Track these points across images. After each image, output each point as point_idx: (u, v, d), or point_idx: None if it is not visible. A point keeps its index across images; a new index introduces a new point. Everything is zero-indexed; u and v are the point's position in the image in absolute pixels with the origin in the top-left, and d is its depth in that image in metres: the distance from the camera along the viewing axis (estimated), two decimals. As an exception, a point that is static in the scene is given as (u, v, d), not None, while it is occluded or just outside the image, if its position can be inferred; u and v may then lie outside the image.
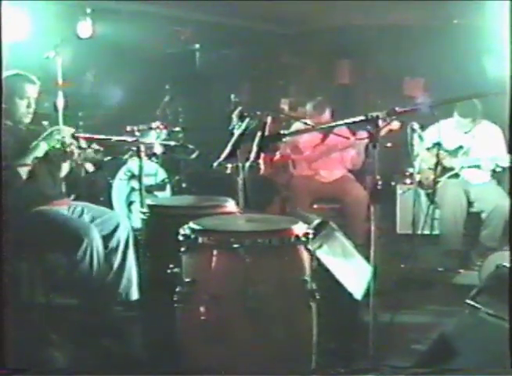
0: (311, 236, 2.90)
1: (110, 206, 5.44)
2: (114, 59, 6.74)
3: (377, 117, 2.82)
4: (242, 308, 2.68)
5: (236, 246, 2.69)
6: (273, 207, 5.82)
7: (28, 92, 3.89)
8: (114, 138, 4.46)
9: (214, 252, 2.75)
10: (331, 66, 8.37)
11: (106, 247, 3.91)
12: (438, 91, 6.71)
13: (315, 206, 5.53)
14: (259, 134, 3.14)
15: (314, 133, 5.63)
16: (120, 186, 5.67)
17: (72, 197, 4.31)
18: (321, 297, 2.83)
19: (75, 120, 3.97)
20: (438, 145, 5.12)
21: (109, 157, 5.79)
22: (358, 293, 3.40)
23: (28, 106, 3.89)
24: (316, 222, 3.64)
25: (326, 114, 5.63)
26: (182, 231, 2.88)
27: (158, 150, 5.72)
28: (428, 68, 7.24)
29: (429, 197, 5.40)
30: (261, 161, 3.06)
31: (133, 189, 5.66)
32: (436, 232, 5.46)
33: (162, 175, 5.95)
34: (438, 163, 5.16)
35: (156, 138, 5.68)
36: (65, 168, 4.12)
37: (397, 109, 2.90)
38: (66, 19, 5.80)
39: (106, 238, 3.93)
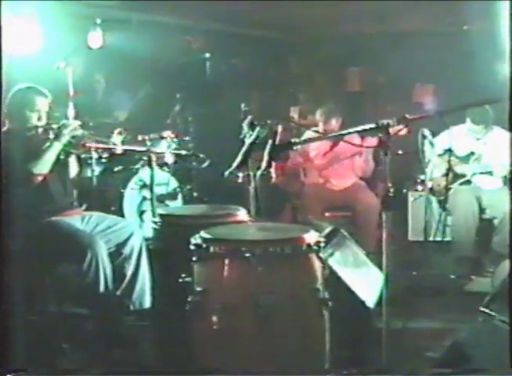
0: (322, 244, 2.90)
1: (122, 216, 5.44)
2: (125, 68, 6.77)
3: (388, 124, 2.81)
4: (254, 317, 2.68)
5: (247, 255, 2.69)
6: (285, 215, 5.82)
7: (38, 105, 3.89)
8: (125, 147, 4.48)
9: (226, 261, 2.75)
10: (340, 73, 8.37)
11: (119, 254, 3.93)
12: (448, 97, 6.70)
13: (326, 214, 5.51)
14: (270, 142, 3.14)
15: (324, 141, 5.62)
16: (131, 196, 5.67)
17: (84, 206, 4.32)
18: (333, 305, 2.82)
19: (86, 129, 3.99)
20: (449, 151, 5.11)
21: (120, 167, 5.82)
22: (370, 301, 3.39)
23: (39, 119, 3.89)
24: (328, 230, 3.63)
25: (335, 121, 5.61)
26: (193, 240, 2.88)
27: (169, 159, 5.75)
28: (438, 74, 7.22)
29: (441, 203, 5.38)
30: (272, 170, 3.06)
31: (144, 198, 5.66)
32: (448, 238, 5.45)
33: (173, 184, 5.94)
34: (449, 169, 5.14)
35: (167, 147, 5.71)
36: (74, 167, 4.13)
37: (407, 116, 2.90)
38: (77, 30, 5.82)
39: (120, 246, 3.95)
